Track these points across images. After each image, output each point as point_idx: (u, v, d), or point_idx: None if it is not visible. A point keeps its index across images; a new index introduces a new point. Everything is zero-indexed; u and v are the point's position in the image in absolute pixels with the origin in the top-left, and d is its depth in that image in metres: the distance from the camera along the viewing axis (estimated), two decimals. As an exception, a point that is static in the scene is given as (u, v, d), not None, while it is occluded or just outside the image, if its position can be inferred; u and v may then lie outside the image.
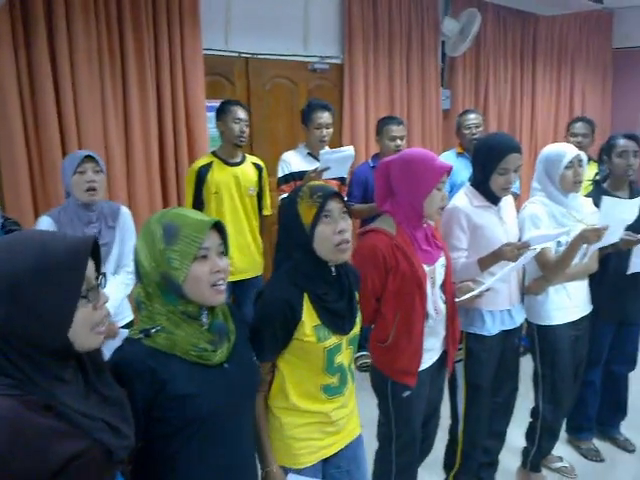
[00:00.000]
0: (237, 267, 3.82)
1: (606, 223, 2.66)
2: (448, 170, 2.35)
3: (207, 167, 3.71)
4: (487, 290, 2.46)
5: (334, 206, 1.90)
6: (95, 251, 1.33)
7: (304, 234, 1.89)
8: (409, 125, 5.48)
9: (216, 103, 4.09)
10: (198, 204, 3.73)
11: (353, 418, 2.14)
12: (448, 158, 4.50)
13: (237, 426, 1.67)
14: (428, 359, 2.46)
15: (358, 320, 2.06)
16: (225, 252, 1.64)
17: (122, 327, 2.89)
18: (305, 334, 1.89)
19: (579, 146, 4.26)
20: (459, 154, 4.52)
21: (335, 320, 1.95)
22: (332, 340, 1.94)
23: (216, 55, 4.29)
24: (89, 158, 2.83)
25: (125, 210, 3.08)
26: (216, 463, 1.62)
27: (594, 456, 3.57)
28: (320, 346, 1.91)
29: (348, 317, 2.00)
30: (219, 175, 3.72)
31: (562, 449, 3.56)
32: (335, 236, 1.88)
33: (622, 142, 3.17)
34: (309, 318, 1.90)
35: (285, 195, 3.83)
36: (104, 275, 1.36)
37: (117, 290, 2.89)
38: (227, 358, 1.63)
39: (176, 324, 1.56)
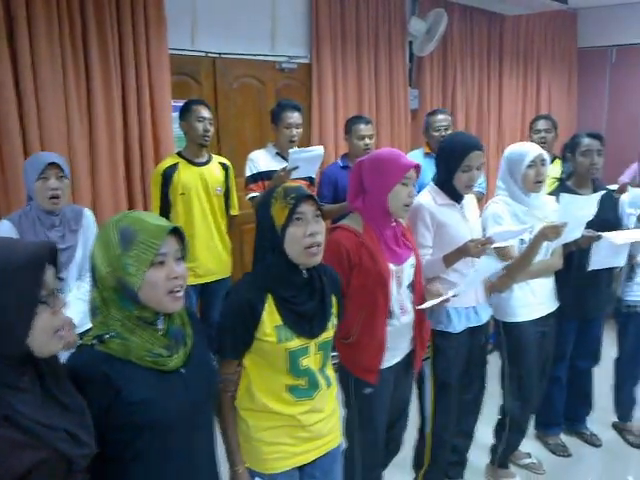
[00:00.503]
0: (206, 268, 3.80)
1: (565, 220, 2.69)
2: (415, 167, 2.38)
3: (173, 168, 3.67)
4: (454, 296, 2.47)
5: (307, 209, 1.89)
6: (54, 256, 1.32)
7: (276, 235, 1.89)
8: (378, 125, 5.49)
9: (183, 103, 4.06)
10: (165, 206, 3.69)
11: (333, 426, 2.11)
12: (415, 158, 4.48)
13: (195, 431, 1.65)
14: (391, 358, 2.47)
15: (330, 325, 2.02)
16: (183, 257, 1.62)
17: (83, 332, 2.84)
18: (265, 334, 1.89)
19: (543, 141, 4.34)
20: (426, 154, 4.52)
21: (301, 323, 1.93)
22: (295, 342, 1.92)
23: (182, 55, 4.25)
24: (53, 164, 2.78)
25: (88, 213, 3.04)
26: (175, 468, 1.60)
27: (562, 451, 3.61)
28: (281, 347, 1.90)
29: (317, 320, 1.97)
30: (185, 176, 3.68)
31: (530, 445, 3.59)
32: (305, 239, 1.88)
33: (586, 141, 3.19)
34: (270, 318, 1.89)
35: (254, 194, 3.82)
36: (63, 280, 1.35)
37: (81, 301, 2.84)
38: (184, 363, 1.61)
39: (131, 330, 1.54)
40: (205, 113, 3.70)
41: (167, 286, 1.54)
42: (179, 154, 3.77)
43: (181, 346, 1.62)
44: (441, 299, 2.42)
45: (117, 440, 1.52)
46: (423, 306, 2.44)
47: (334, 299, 2.07)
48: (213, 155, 3.91)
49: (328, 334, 2.01)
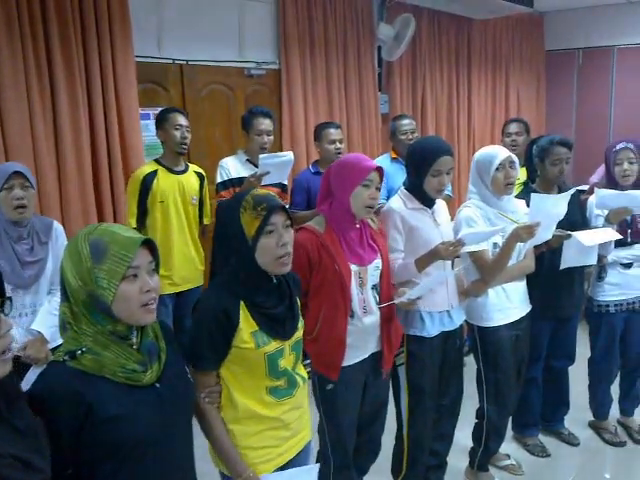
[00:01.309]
0: (182, 277, 3.79)
1: (537, 219, 2.71)
2: (378, 170, 2.44)
3: (152, 175, 3.65)
4: (418, 298, 2.49)
5: (278, 219, 1.90)
6: None
7: (246, 245, 1.88)
8: (348, 129, 5.49)
9: (150, 111, 4.03)
10: (142, 213, 3.65)
11: (306, 421, 2.15)
12: (382, 163, 4.50)
13: (172, 447, 1.62)
14: (354, 357, 2.50)
15: (300, 325, 2.06)
16: (156, 270, 1.60)
17: (56, 347, 2.78)
18: (243, 341, 1.88)
19: (514, 144, 4.39)
20: (393, 159, 4.54)
21: (274, 325, 1.94)
22: (272, 345, 1.93)
23: (149, 62, 4.19)
24: (17, 174, 2.72)
25: (58, 225, 2.99)
26: None
27: (540, 452, 3.62)
28: (260, 352, 1.91)
29: (289, 322, 2.00)
30: (165, 183, 3.66)
31: (509, 447, 3.60)
32: (278, 249, 1.89)
33: (557, 150, 3.20)
34: (246, 324, 1.89)
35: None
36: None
37: (52, 316, 2.77)
38: (158, 378, 1.58)
39: (103, 345, 1.51)
40: (182, 121, 3.68)
41: (141, 299, 1.52)
42: (157, 162, 3.73)
43: (155, 360, 1.60)
44: (397, 300, 2.46)
45: (91, 458, 1.49)
46: (382, 305, 2.49)
47: (298, 301, 2.11)
48: (189, 164, 3.89)
49: (299, 334, 2.05)
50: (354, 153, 2.69)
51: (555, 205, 2.83)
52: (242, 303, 1.90)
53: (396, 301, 2.47)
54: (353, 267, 2.43)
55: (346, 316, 2.43)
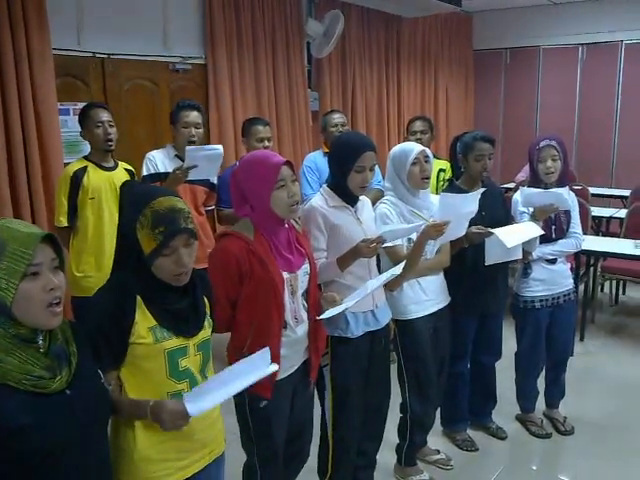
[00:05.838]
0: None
1: (446, 218, 2.72)
2: (286, 164, 2.28)
3: (82, 171, 3.49)
4: (346, 309, 2.40)
5: (178, 242, 1.78)
6: None
7: (142, 258, 1.78)
8: (278, 127, 5.46)
9: (70, 106, 3.87)
10: (72, 211, 3.50)
11: (217, 433, 2.03)
12: (316, 158, 4.53)
13: (86, 455, 1.53)
14: (288, 368, 2.39)
15: (207, 324, 1.95)
16: (61, 267, 1.51)
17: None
18: (141, 336, 1.77)
19: (419, 142, 4.43)
20: (326, 154, 4.51)
21: (176, 321, 1.84)
22: (174, 341, 1.82)
23: (68, 55, 4.05)
24: None
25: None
26: None
27: (469, 446, 3.64)
28: (159, 347, 1.79)
29: (193, 319, 1.89)
30: (95, 179, 3.51)
31: (438, 442, 3.62)
32: (175, 268, 1.79)
33: (480, 146, 3.23)
34: (143, 319, 1.78)
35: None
36: None
37: None
38: (68, 384, 1.50)
39: (6, 350, 1.42)
40: (103, 116, 3.52)
41: (44, 299, 1.44)
42: (86, 158, 3.59)
43: (65, 365, 1.51)
44: (339, 310, 2.35)
45: (-3, 472, 1.40)
46: (322, 316, 2.36)
47: (206, 300, 1.99)
48: (118, 162, 3.76)
49: (205, 333, 1.94)
50: (257, 151, 2.55)
51: (464, 204, 2.85)
52: (139, 298, 1.79)
53: (335, 311, 2.33)
54: (285, 275, 2.30)
55: (280, 328, 2.29)
